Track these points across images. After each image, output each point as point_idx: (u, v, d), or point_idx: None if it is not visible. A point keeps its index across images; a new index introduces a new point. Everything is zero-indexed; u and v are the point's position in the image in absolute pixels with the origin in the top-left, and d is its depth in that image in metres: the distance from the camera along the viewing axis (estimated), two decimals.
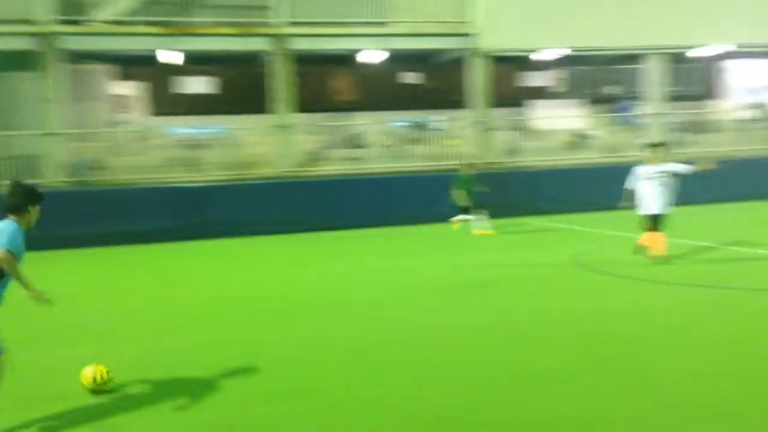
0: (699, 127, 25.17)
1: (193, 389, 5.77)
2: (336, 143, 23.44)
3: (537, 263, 12.03)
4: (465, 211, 16.76)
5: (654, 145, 11.34)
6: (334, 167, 21.57)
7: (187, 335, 7.86)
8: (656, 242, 10.89)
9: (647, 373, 5.75)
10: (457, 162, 18.56)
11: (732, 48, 23.90)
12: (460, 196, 16.72)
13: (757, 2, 23.32)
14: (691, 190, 20.43)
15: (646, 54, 23.40)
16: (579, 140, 24.14)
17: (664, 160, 10.93)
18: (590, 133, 24.69)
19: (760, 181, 22.34)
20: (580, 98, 27.59)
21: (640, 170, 11.06)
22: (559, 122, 25.00)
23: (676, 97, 26.59)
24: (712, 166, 10.95)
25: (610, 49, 23.38)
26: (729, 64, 27.07)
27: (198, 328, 8.21)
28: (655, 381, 5.56)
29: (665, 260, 10.85)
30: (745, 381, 5.46)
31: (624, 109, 26.24)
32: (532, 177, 21.43)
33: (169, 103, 24.71)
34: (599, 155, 23.14)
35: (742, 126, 25.19)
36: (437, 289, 9.93)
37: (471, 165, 17.55)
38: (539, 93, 27.46)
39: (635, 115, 25.26)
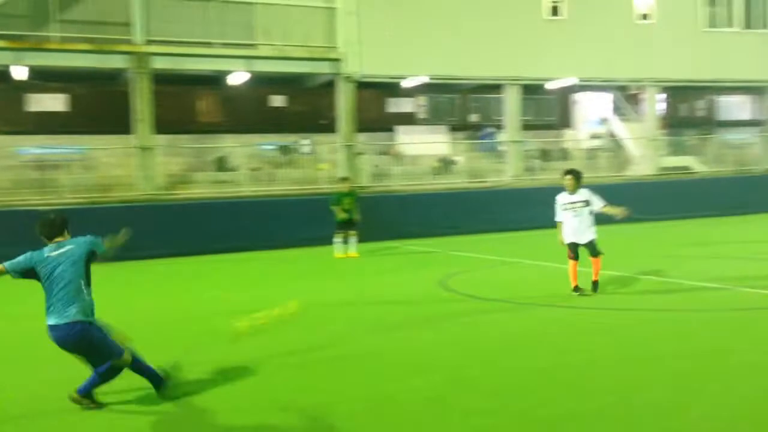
0: (552, 154, 26.74)
1: None
2: (202, 166, 22.86)
3: (404, 287, 12.20)
4: (345, 227, 16.66)
5: (568, 173, 10.88)
6: (199, 190, 21.00)
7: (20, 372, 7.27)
8: (572, 270, 10.42)
9: (510, 393, 5.94)
10: (336, 180, 18.66)
11: (580, 81, 25.61)
12: (339, 213, 16.68)
13: (603, 40, 25.19)
14: (538, 215, 21.63)
15: (505, 84, 24.60)
16: (444, 165, 24.92)
17: (578, 189, 10.58)
18: (454, 158, 25.56)
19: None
20: (444, 125, 28.52)
21: (560, 198, 10.76)
22: (425, 148, 25.71)
23: (532, 126, 28.13)
24: (626, 213, 10.63)
25: (470, 79, 24.39)
26: (579, 96, 28.98)
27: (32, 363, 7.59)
28: (518, 399, 5.75)
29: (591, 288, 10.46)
30: (587, 393, 5.78)
31: (485, 136, 27.41)
32: (399, 201, 21.85)
33: (18, 121, 23.12)
34: (463, 180, 24.01)
35: (590, 154, 27.00)
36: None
37: (347, 180, 17.77)
38: (405, 119, 28.13)
39: (496, 142, 26.44)
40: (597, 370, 6.49)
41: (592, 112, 28.90)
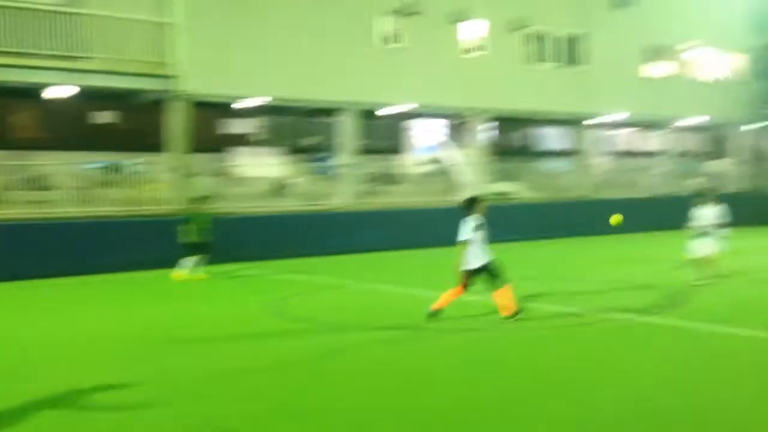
0: (387, 179, 27.41)
1: None
2: (16, 184, 21.15)
3: (235, 311, 11.95)
4: (196, 249, 16.23)
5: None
6: (14, 211, 19.41)
7: None
8: (504, 297, 10.07)
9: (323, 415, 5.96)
10: (191, 201, 18.16)
11: (413, 108, 26.55)
12: (189, 233, 16.26)
13: (434, 70, 26.31)
14: (373, 239, 22.08)
15: (341, 109, 24.97)
16: (280, 188, 24.77)
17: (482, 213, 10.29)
18: (291, 181, 25.48)
19: (436, 230, 24.89)
20: (281, 147, 28.40)
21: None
22: (261, 170, 25.43)
23: (368, 150, 28.71)
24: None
25: (308, 102, 24.52)
26: (413, 123, 30.00)
27: None
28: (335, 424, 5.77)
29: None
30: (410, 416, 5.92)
31: (322, 160, 27.60)
32: (234, 223, 21.43)
33: None
34: (299, 203, 23.99)
35: (422, 179, 27.98)
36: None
37: (204, 199, 17.43)
38: (241, 140, 27.70)
39: (332, 166, 26.70)
40: (431, 392, 6.66)
41: (425, 139, 29.99)
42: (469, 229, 10.09)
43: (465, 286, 10.22)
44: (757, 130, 36.55)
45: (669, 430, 5.32)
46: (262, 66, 22.90)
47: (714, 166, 37.01)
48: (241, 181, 24.54)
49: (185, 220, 16.68)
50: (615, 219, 13.34)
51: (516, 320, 9.86)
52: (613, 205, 29.43)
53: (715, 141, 39.67)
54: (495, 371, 7.27)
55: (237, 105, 24.27)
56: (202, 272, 16.37)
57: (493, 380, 6.91)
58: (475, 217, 10.23)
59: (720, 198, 14.14)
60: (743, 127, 35.28)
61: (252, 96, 23.19)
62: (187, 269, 16.35)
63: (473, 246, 10.04)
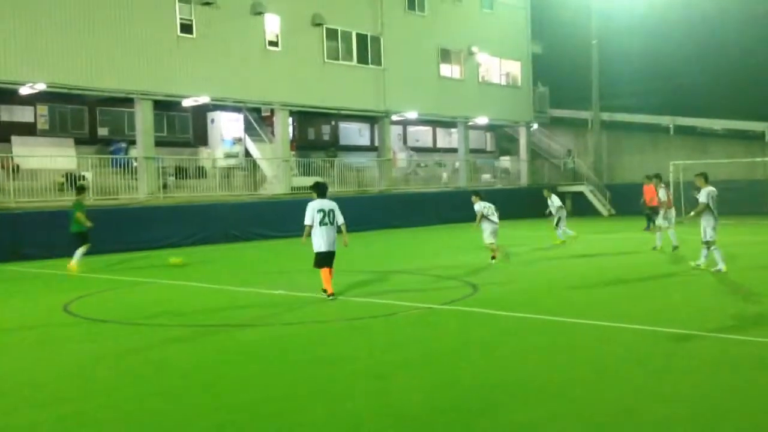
0: (188, 172, 26.48)
1: None
2: None
3: (25, 314, 10.93)
4: (83, 240, 16.13)
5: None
6: None
7: None
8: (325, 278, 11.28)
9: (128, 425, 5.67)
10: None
11: (213, 100, 25.87)
12: (83, 220, 16.11)
13: (235, 62, 25.80)
14: (172, 233, 21.29)
15: (136, 98, 23.71)
16: (70, 181, 22.99)
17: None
18: (82, 174, 23.74)
19: (240, 224, 24.53)
20: (70, 137, 26.39)
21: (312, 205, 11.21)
22: (47, 161, 23.44)
23: (167, 143, 27.55)
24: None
25: (97, 90, 22.95)
26: (214, 115, 29.23)
27: None
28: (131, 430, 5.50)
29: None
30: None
31: (117, 152, 26.04)
32: (15, 219, 19.61)
33: None
34: (91, 197, 22.42)
35: (225, 172, 27.37)
36: None
37: (82, 189, 17.41)
38: (24, 129, 25.36)
39: (127, 158, 25.27)
40: (213, 391, 6.50)
41: (227, 132, 29.36)
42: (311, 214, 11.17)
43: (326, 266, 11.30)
44: (534, 131, 40.00)
45: (465, 414, 5.66)
46: (44, 49, 21.12)
47: (503, 162, 39.98)
48: (25, 173, 22.46)
49: (79, 208, 16.21)
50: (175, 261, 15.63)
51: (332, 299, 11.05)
52: (413, 199, 30.92)
53: (503, 140, 42.87)
54: (297, 365, 7.30)
55: (19, 91, 22.13)
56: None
57: (297, 374, 6.93)
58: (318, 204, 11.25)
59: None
60: (523, 128, 38.39)
61: (32, 81, 21.22)
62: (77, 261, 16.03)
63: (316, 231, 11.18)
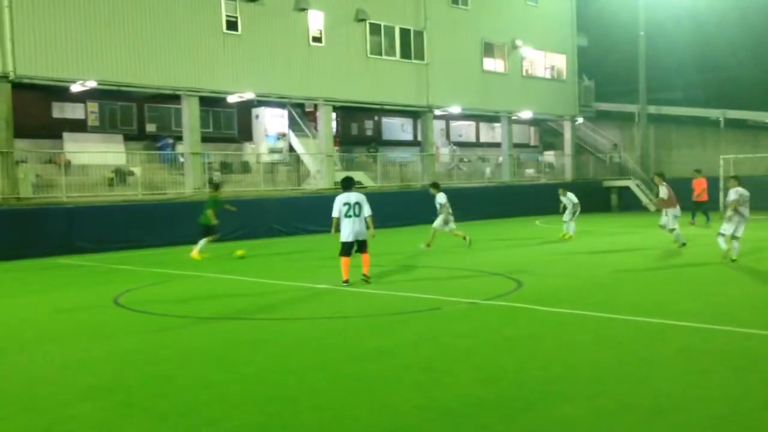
0: (233, 167, 26.87)
1: None
2: None
3: (75, 305, 11.26)
4: (206, 233, 17.34)
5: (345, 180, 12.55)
6: None
7: None
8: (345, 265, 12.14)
9: (178, 412, 5.80)
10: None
11: (257, 96, 26.16)
12: (210, 217, 17.23)
13: (278, 57, 26.05)
14: (219, 227, 21.64)
15: (183, 95, 24.12)
16: (119, 176, 23.56)
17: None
18: (131, 169, 24.31)
19: (286, 219, 24.78)
20: (119, 133, 27.01)
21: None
22: (97, 157, 24.06)
23: (212, 138, 27.99)
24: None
25: (145, 87, 23.40)
26: (258, 111, 29.56)
27: None
28: (186, 418, 5.63)
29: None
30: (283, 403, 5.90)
31: (164, 147, 26.55)
32: (68, 213, 20.17)
33: None
34: (140, 192, 22.95)
35: (270, 168, 27.69)
36: None
37: (218, 186, 18.55)
38: (75, 125, 26.05)
39: (174, 153, 25.75)
40: (261, 382, 6.62)
41: (271, 127, 29.67)
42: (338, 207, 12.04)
43: (347, 255, 12.08)
44: (579, 125, 39.48)
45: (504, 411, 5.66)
46: (95, 47, 21.63)
47: (547, 157, 39.59)
48: (75, 169, 23.09)
49: (210, 204, 17.46)
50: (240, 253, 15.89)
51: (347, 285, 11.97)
52: (458, 194, 30.83)
53: (547, 134, 42.42)
54: (341, 358, 7.37)
55: (71, 88, 22.72)
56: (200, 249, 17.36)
57: (341, 368, 7.01)
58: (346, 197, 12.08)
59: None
60: (568, 123, 37.92)
61: (84, 78, 21.74)
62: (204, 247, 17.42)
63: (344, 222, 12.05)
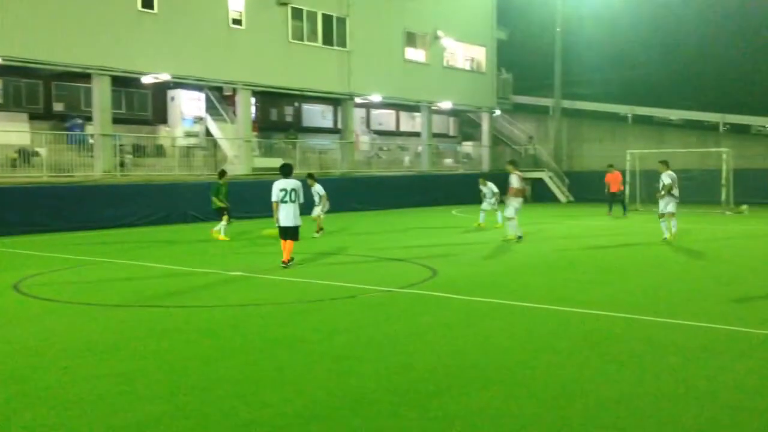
0: (146, 150, 26.03)
1: None
2: None
3: None
4: (221, 214, 17.97)
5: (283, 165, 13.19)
6: None
7: None
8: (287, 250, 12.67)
9: (83, 403, 5.59)
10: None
11: (174, 78, 25.43)
12: (216, 202, 17.93)
13: (196, 39, 25.39)
14: (129, 212, 21.06)
15: (93, 74, 23.19)
16: (23, 157, 22.43)
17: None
18: (35, 150, 23.19)
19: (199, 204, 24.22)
20: (24, 112, 25.71)
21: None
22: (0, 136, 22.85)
23: (125, 120, 27.03)
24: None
25: (53, 64, 22.36)
26: (175, 93, 28.74)
27: None
28: (93, 409, 5.42)
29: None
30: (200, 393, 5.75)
31: (73, 128, 25.45)
32: None
33: None
34: (45, 174, 21.94)
35: (186, 152, 26.99)
36: None
37: (224, 172, 18.72)
38: None
39: (84, 134, 24.73)
40: (171, 372, 6.45)
41: (187, 110, 28.92)
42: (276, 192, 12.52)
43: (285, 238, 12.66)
44: (497, 117, 40.27)
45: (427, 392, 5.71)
46: None
47: (465, 148, 40.18)
48: None
49: (214, 190, 17.88)
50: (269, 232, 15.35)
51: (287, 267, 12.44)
52: (377, 182, 30.89)
53: (466, 125, 43.05)
54: (254, 346, 7.27)
55: None
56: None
57: (254, 356, 6.91)
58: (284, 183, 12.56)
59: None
60: (486, 114, 38.60)
61: None
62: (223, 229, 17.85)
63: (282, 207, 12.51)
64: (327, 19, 29.95)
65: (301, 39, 29.08)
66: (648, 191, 26.81)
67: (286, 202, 12.47)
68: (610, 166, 26.67)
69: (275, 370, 6.36)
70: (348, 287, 10.68)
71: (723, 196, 26.53)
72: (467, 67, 37.89)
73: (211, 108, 28.99)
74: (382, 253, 14.97)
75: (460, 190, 32.55)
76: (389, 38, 32.80)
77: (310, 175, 18.98)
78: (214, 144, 27.99)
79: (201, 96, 28.93)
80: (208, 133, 28.72)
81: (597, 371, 6.24)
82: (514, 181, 16.90)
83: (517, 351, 6.95)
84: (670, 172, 16.49)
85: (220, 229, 17.91)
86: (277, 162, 28.77)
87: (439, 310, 9.12)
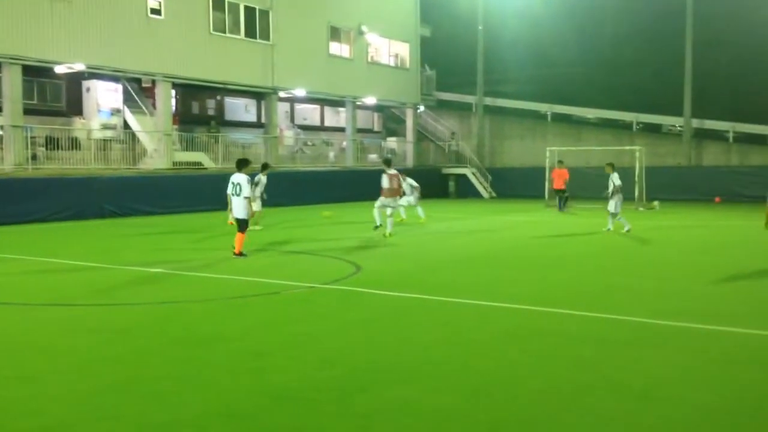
0: (60, 143, 25.04)
1: None
2: None
3: None
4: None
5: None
6: None
7: None
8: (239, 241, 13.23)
9: None
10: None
11: (89, 68, 24.57)
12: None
13: (113, 28, 24.59)
14: (40, 207, 20.29)
15: (4, 62, 22.15)
16: None
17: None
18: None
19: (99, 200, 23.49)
20: None
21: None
22: None
23: (36, 111, 25.93)
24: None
25: None
26: (90, 84, 27.75)
27: None
28: None
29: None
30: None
31: None
32: None
33: None
34: None
35: (102, 144, 26.09)
36: None
37: (266, 165, 19.46)
38: None
39: None
40: (85, 372, 6.23)
41: (104, 102, 27.97)
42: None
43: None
44: (421, 113, 40.64)
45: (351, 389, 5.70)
46: None
47: (390, 143, 40.36)
48: None
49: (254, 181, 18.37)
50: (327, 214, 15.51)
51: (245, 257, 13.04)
52: (302, 177, 30.66)
53: (390, 121, 43.25)
54: (174, 344, 7.10)
55: None
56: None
57: (173, 354, 6.75)
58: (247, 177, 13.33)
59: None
60: (410, 110, 38.89)
61: None
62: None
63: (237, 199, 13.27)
64: (250, 11, 29.51)
65: (223, 31, 28.55)
66: (569, 188, 27.63)
67: (232, 195, 13.32)
68: (560, 162, 27.21)
69: (195, 369, 6.23)
70: (271, 283, 10.57)
71: (636, 193, 27.54)
72: (391, 63, 38.05)
73: (129, 100, 28.12)
74: (306, 249, 14.88)
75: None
76: (313, 32, 32.59)
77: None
78: (133, 137, 27.17)
79: (118, 87, 28.03)
80: (126, 125, 27.86)
81: (517, 365, 6.38)
82: (384, 181, 17.16)
83: (438, 346, 7.03)
84: (616, 173, 18.40)
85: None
86: (198, 156, 28.25)
87: (362, 305, 9.14)
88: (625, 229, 17.82)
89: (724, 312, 8.61)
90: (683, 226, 20.28)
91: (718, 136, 35.92)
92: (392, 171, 17.53)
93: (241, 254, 13.17)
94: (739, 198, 31.13)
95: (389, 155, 20.22)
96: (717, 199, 31.54)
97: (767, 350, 6.95)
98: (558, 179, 26.59)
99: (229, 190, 13.36)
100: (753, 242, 16.03)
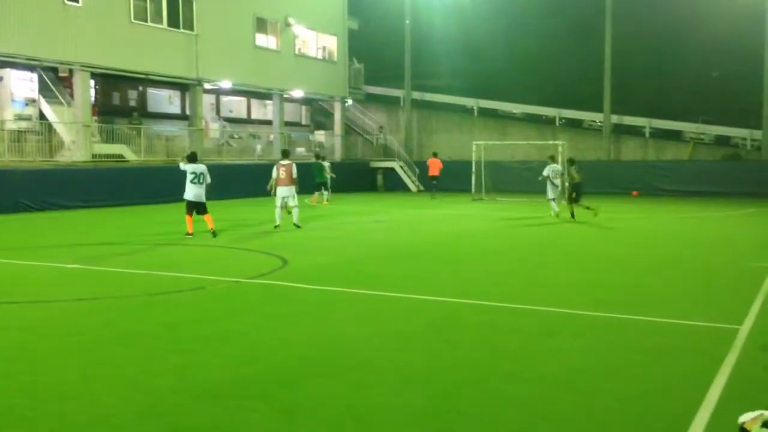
0: None
1: None
2: None
3: None
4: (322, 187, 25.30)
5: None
6: None
7: None
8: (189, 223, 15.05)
9: None
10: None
11: (2, 56, 23.48)
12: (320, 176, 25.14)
13: (27, 15, 23.55)
14: None
15: None
16: None
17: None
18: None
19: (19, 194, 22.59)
20: None
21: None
22: None
23: None
24: None
25: None
26: (2, 73, 26.49)
27: None
28: None
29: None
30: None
31: None
32: None
33: None
34: None
35: (16, 136, 24.98)
36: None
37: (287, 153, 18.97)
38: None
39: None
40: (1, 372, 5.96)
41: (18, 92, 26.75)
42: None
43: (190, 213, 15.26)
44: (349, 107, 40.58)
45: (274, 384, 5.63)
46: None
47: (318, 136, 40.13)
48: None
49: (317, 168, 25.10)
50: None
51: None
52: (228, 171, 30.14)
53: (318, 114, 43.00)
54: (93, 343, 6.86)
55: None
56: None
57: (93, 353, 6.52)
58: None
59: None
60: (338, 103, 38.76)
61: None
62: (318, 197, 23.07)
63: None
64: (172, 0, 28.75)
65: (145, 20, 27.73)
66: (492, 181, 28.08)
67: (194, 183, 14.91)
68: (435, 153, 31.91)
69: (113, 368, 6.03)
70: (195, 278, 10.35)
71: (559, 186, 28.19)
72: (319, 55, 37.79)
73: (45, 90, 26.99)
74: (232, 243, 14.65)
75: (311, 179, 32.49)
76: (239, 23, 32.03)
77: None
78: (49, 128, 26.10)
79: (33, 76, 26.85)
80: (42, 116, 26.74)
81: (443, 356, 6.43)
82: (274, 171, 17.43)
83: (364, 339, 7.02)
84: (554, 165, 21.10)
85: (323, 196, 25.54)
86: (119, 148, 27.40)
87: (288, 300, 9.04)
88: (554, 212, 20.54)
89: (639, 302, 8.91)
90: (607, 219, 20.92)
91: (635, 131, 37.20)
92: (286, 162, 17.48)
93: (191, 234, 15.01)
94: (656, 192, 32.33)
95: (287, 148, 20.56)
96: (634, 192, 32.66)
97: (686, 337, 7.22)
98: (433, 167, 30.82)
99: (190, 178, 15.02)
100: (672, 235, 16.66)
